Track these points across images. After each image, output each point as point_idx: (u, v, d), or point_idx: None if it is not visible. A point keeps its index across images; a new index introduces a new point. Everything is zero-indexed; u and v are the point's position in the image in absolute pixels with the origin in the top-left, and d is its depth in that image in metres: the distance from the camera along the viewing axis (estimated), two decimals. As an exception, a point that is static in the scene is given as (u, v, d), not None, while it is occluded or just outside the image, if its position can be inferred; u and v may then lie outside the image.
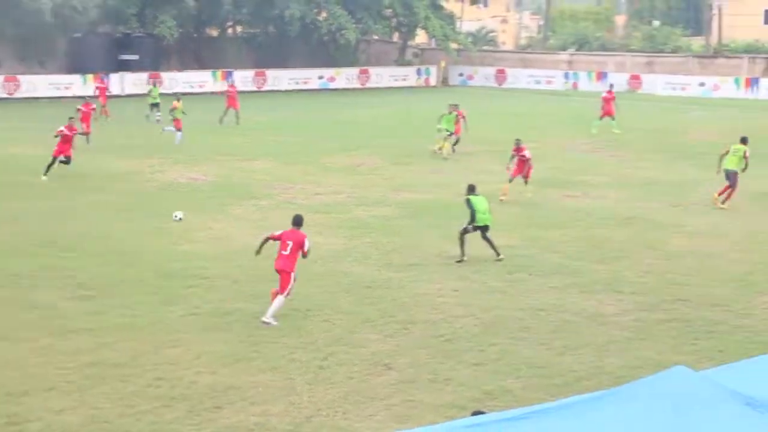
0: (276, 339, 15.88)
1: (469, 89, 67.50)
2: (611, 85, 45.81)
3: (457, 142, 35.89)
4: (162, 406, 13.21)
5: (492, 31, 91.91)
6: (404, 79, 70.06)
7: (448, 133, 35.24)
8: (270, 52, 69.25)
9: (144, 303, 17.76)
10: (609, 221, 24.47)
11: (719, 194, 26.27)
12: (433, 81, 70.61)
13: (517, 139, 27.52)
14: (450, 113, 35.44)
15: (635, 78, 63.65)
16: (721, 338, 15.77)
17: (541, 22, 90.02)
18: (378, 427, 12.61)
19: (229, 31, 71.70)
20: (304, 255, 17.16)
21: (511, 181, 27.16)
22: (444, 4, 73.11)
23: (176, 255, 21.32)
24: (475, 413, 8.59)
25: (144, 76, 61.16)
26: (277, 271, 17.12)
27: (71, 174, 30.33)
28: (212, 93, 57.70)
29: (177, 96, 41.20)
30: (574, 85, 66.00)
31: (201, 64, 67.54)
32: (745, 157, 26.30)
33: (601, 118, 41.89)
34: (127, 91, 60.34)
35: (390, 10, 69.54)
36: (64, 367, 14.51)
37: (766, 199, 26.99)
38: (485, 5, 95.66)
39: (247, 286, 18.92)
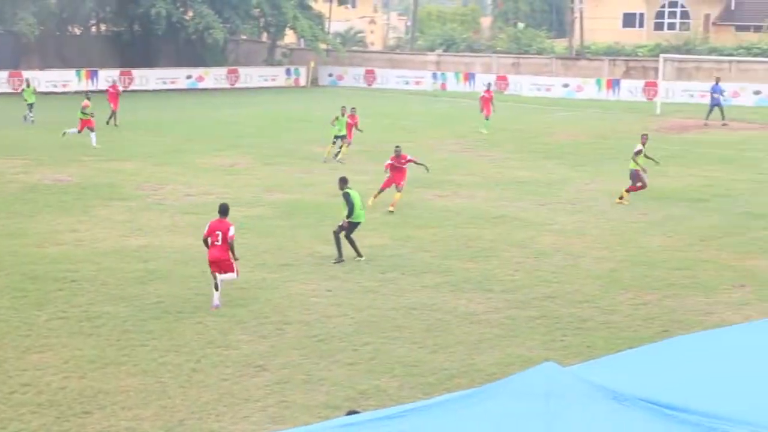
0: (146, 342, 15.63)
1: (338, 90, 67.59)
2: (489, 84, 46.34)
3: (341, 146, 34.90)
4: (28, 413, 12.86)
5: (360, 32, 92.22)
6: (273, 79, 69.75)
7: (339, 137, 34.54)
8: (136, 51, 68.08)
9: (8, 307, 17.27)
10: (479, 220, 24.78)
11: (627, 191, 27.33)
12: (302, 81, 70.48)
13: (397, 147, 26.86)
14: (343, 116, 34.81)
15: (502, 79, 64.66)
16: (589, 334, 16.11)
17: (409, 23, 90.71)
18: (252, 429, 12.51)
19: (93, 29, 70.22)
20: (230, 242, 17.59)
21: (381, 192, 26.20)
22: (312, 4, 73.03)
23: (41, 257, 20.77)
24: (350, 413, 8.59)
25: (4, 75, 59.51)
26: (213, 262, 17.56)
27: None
28: (76, 92, 56.41)
29: (87, 95, 39.96)
30: (443, 86, 66.69)
31: (64, 63, 65.97)
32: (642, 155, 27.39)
33: (487, 117, 42.38)
34: (-13, 90, 58.62)
35: (258, 10, 69.11)
36: (-75, 375, 13.99)
37: (629, 198, 27.65)
38: (353, 6, 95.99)
39: (116, 288, 18.56)
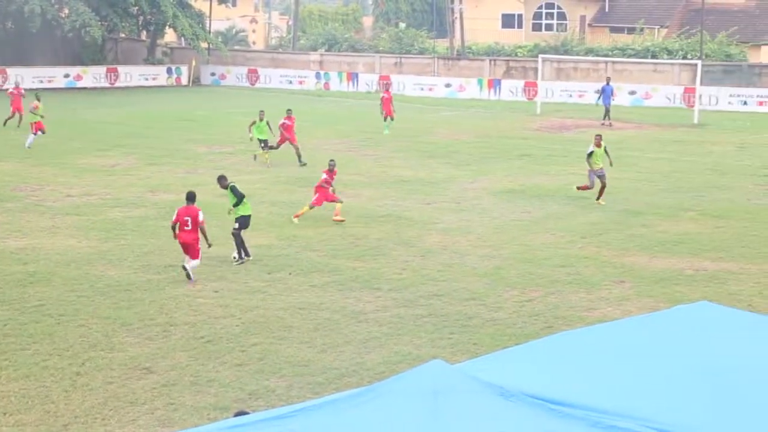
0: (27, 346, 15.28)
1: (221, 89, 67.05)
2: (387, 85, 46.33)
3: (272, 147, 33.63)
4: None
5: (242, 31, 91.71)
6: (155, 78, 68.77)
7: (260, 141, 33.39)
8: (10, 49, 66.28)
9: None
10: (365, 219, 24.86)
11: (598, 197, 27.40)
12: (184, 80, 69.66)
13: (331, 161, 25.46)
14: (261, 120, 33.55)
15: (385, 78, 64.97)
16: (475, 331, 16.31)
17: (291, 23, 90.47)
18: (140, 433, 12.34)
19: (-35, 25, 68.20)
20: (201, 226, 19.07)
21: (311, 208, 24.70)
22: (192, 2, 72.21)
23: None
24: (238, 414, 8.55)
25: None
26: (183, 244, 19.13)
27: None
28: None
29: (37, 95, 38.57)
30: (326, 86, 66.72)
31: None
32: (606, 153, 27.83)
33: (385, 118, 42.41)
34: None
35: (136, 8, 68.04)
36: None
37: (512, 197, 28.11)
38: (234, 5, 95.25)
39: (-6, 292, 18.09)
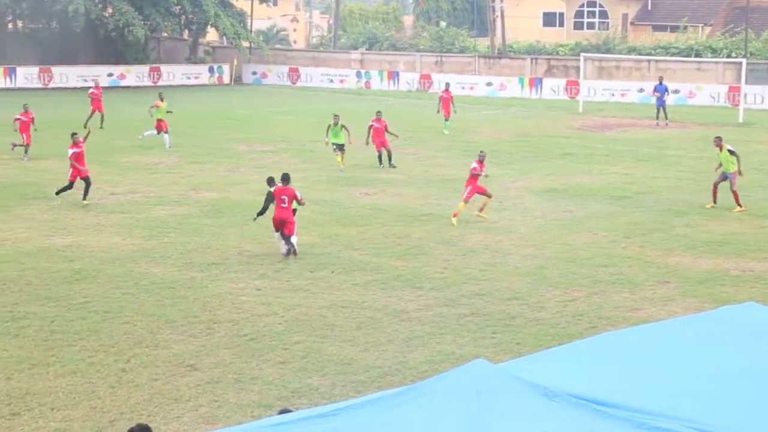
0: (73, 342, 15.46)
1: (262, 88, 67.32)
2: (447, 85, 45.83)
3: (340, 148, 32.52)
4: (-45, 416, 12.65)
5: (283, 30, 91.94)
6: (197, 77, 69.14)
7: (335, 145, 32.39)
8: (55, 48, 66.95)
9: (-70, 309, 16.93)
10: (406, 218, 24.89)
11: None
12: (226, 79, 69.98)
13: (481, 152, 25.98)
14: (336, 124, 32.54)
15: (426, 77, 64.97)
16: (518, 331, 16.29)
17: (331, 21, 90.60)
18: (185, 429, 12.45)
19: (10, 25, 68.94)
20: (300, 202, 21.12)
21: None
22: (234, 2, 72.54)
23: (-37, 258, 20.41)
24: (282, 411, 8.60)
25: None
26: (280, 220, 20.80)
27: None
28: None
29: (160, 94, 38.86)
30: (367, 85, 66.76)
31: (-19, 60, 64.76)
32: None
33: (446, 118, 42.05)
34: None
35: (179, 8, 68.45)
36: None
37: (554, 196, 28.02)
38: (275, 4, 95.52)
39: (41, 288, 18.33)
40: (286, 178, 21.33)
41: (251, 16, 74.64)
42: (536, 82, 61.49)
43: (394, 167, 32.41)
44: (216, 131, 41.60)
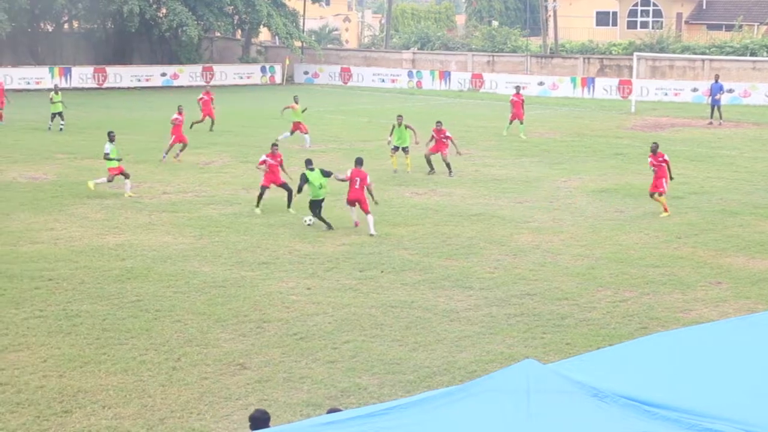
0: (125, 341, 15.59)
1: (314, 87, 67.53)
2: (518, 88, 44.54)
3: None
4: (7, 412, 12.81)
5: (335, 30, 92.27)
6: (249, 77, 69.53)
7: (395, 147, 31.89)
8: (110, 48, 67.80)
9: (-15, 306, 17.17)
10: (457, 218, 24.83)
11: None
12: (278, 79, 70.30)
13: (654, 143, 26.36)
14: (400, 125, 31.79)
15: (477, 77, 64.81)
16: (568, 331, 16.19)
17: (383, 21, 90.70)
18: (234, 428, 12.50)
19: (66, 26, 69.81)
20: (368, 186, 23.26)
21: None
22: (286, 2, 72.85)
23: (18, 256, 20.67)
24: (331, 410, 8.61)
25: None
26: (351, 200, 23.24)
27: None
28: (49, 89, 55.97)
29: (295, 98, 39.02)
30: (419, 84, 66.72)
31: (37, 60, 65.62)
32: None
33: (511, 121, 41.24)
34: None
35: (232, 8, 68.90)
36: None
37: (605, 196, 27.81)
38: (327, 4, 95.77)
39: (94, 287, 18.50)
40: (359, 162, 23.71)
41: (303, 15, 74.94)
42: (588, 82, 61.09)
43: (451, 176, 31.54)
44: (267, 131, 41.72)
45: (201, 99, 42.25)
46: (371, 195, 23.43)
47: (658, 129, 44.48)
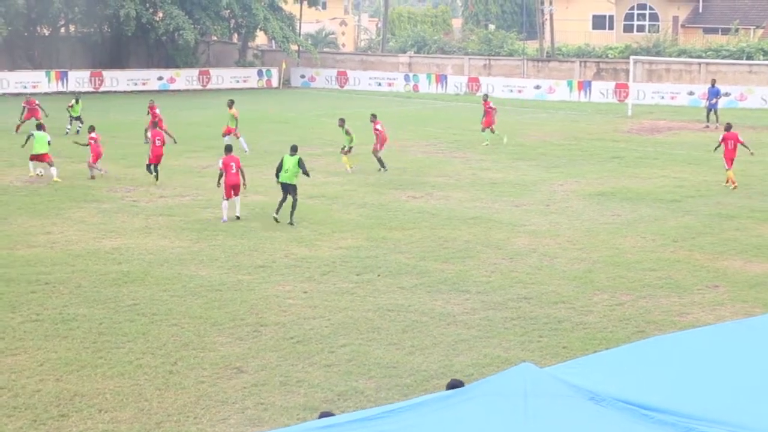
0: (121, 345, 15.58)
1: (311, 91, 67.54)
2: (485, 96, 43.76)
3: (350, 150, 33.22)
4: (4, 416, 12.82)
5: (332, 33, 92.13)
6: (245, 81, 69.54)
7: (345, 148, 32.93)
8: (106, 52, 67.79)
9: (-18, 310, 17.16)
10: (453, 221, 24.83)
11: None
12: (275, 82, 70.32)
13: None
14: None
15: (474, 80, 64.83)
16: (565, 335, 16.19)
17: (380, 25, 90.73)
18: (231, 432, 12.51)
19: (62, 30, 69.81)
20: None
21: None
22: (283, 5, 72.89)
23: (14, 260, 20.66)
24: (323, 415, 8.57)
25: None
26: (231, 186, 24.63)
27: None
28: (45, 94, 56.08)
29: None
30: (415, 88, 66.73)
31: (34, 64, 65.62)
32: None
33: (486, 129, 40.23)
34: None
35: (228, 11, 68.92)
36: None
37: (602, 199, 27.83)
38: (323, 8, 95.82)
39: (90, 290, 18.50)
40: (229, 149, 25.92)
41: (300, 19, 74.95)
42: (585, 85, 61.13)
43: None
44: (264, 134, 41.77)
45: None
46: (244, 178, 25.07)
47: (654, 132, 44.52)
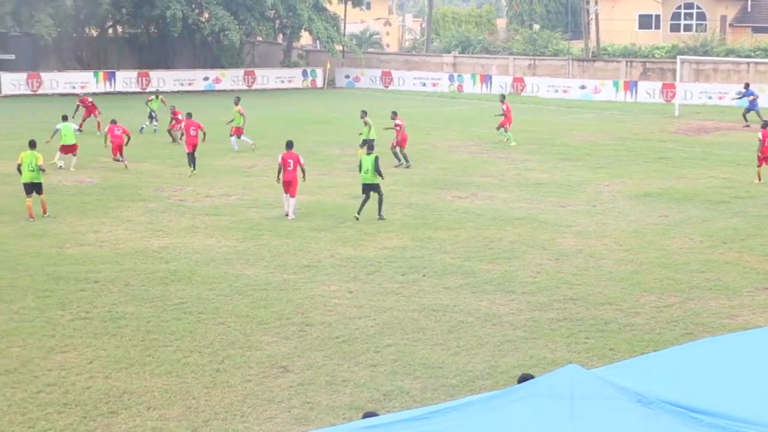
0: (169, 343, 15.69)
1: (355, 91, 67.65)
2: (503, 96, 43.57)
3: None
4: (55, 413, 12.94)
5: (376, 33, 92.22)
6: (290, 81, 69.82)
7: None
8: (153, 53, 68.44)
9: (32, 307, 17.38)
10: (499, 222, 24.78)
11: None
12: (319, 83, 70.53)
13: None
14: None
15: (518, 80, 64.63)
16: (612, 336, 16.09)
17: (424, 25, 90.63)
18: (277, 430, 12.56)
19: (110, 31, 70.50)
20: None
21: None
22: (327, 6, 73.09)
23: (64, 258, 20.90)
24: (367, 415, 8.57)
25: (22, 76, 59.83)
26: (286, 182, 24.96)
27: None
28: (94, 93, 56.57)
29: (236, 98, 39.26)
30: (459, 88, 66.64)
31: (82, 65, 66.31)
32: None
33: (501, 128, 40.15)
34: (5, 92, 58.96)
35: (273, 12, 69.23)
36: (-48, 375, 14.12)
37: (649, 200, 27.64)
38: (368, 8, 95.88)
39: (138, 289, 18.65)
40: (290, 145, 25.52)
41: (344, 19, 75.11)
42: (631, 85, 60.71)
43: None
44: (309, 134, 41.90)
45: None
46: (303, 175, 25.39)
47: (702, 133, 44.14)
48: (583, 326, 16.56)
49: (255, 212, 25.98)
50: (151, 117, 42.59)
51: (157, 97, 43.14)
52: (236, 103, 38.16)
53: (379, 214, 24.82)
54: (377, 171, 24.73)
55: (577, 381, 7.55)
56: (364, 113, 34.46)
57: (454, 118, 49.62)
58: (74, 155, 32.40)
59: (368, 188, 24.85)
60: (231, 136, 37.45)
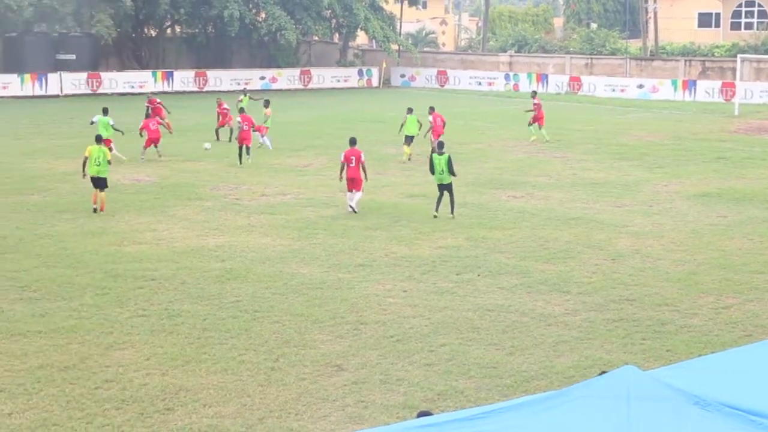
0: (224, 341, 15.79)
1: (411, 90, 67.66)
2: (534, 93, 43.43)
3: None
4: (112, 409, 13.07)
5: (432, 33, 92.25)
6: (346, 80, 70.06)
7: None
8: (210, 53, 69.03)
9: (90, 305, 17.57)
10: (554, 222, 24.64)
11: None
12: (375, 82, 70.69)
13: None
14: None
15: (575, 80, 64.26)
16: (668, 338, 15.93)
17: (480, 24, 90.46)
18: (332, 429, 12.58)
19: (168, 31, 71.23)
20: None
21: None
22: (383, 5, 73.22)
23: (121, 256, 21.12)
24: (421, 414, 8.56)
25: (83, 76, 60.63)
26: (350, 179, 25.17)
27: (4, 174, 29.92)
28: (152, 93, 57.06)
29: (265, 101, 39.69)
30: (515, 87, 66.41)
31: (141, 65, 67.05)
32: None
33: (533, 124, 40.16)
34: (66, 91, 59.76)
35: (329, 11, 69.51)
36: (12, 370, 14.32)
37: (707, 200, 27.34)
38: (424, 7, 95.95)
39: (195, 287, 18.79)
40: (353, 141, 25.85)
41: (400, 19, 75.19)
42: (690, 84, 60.10)
43: None
44: (364, 133, 41.89)
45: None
46: (365, 173, 25.51)
47: (762, 132, 43.58)
48: (640, 327, 16.41)
49: (310, 211, 26.08)
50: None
51: (245, 95, 43.11)
52: (265, 106, 38.26)
53: (452, 212, 24.88)
54: (450, 170, 24.71)
55: (633, 382, 7.47)
56: (410, 110, 35.88)
57: (510, 118, 49.41)
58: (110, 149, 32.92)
59: (443, 188, 24.97)
60: (261, 137, 37.43)
